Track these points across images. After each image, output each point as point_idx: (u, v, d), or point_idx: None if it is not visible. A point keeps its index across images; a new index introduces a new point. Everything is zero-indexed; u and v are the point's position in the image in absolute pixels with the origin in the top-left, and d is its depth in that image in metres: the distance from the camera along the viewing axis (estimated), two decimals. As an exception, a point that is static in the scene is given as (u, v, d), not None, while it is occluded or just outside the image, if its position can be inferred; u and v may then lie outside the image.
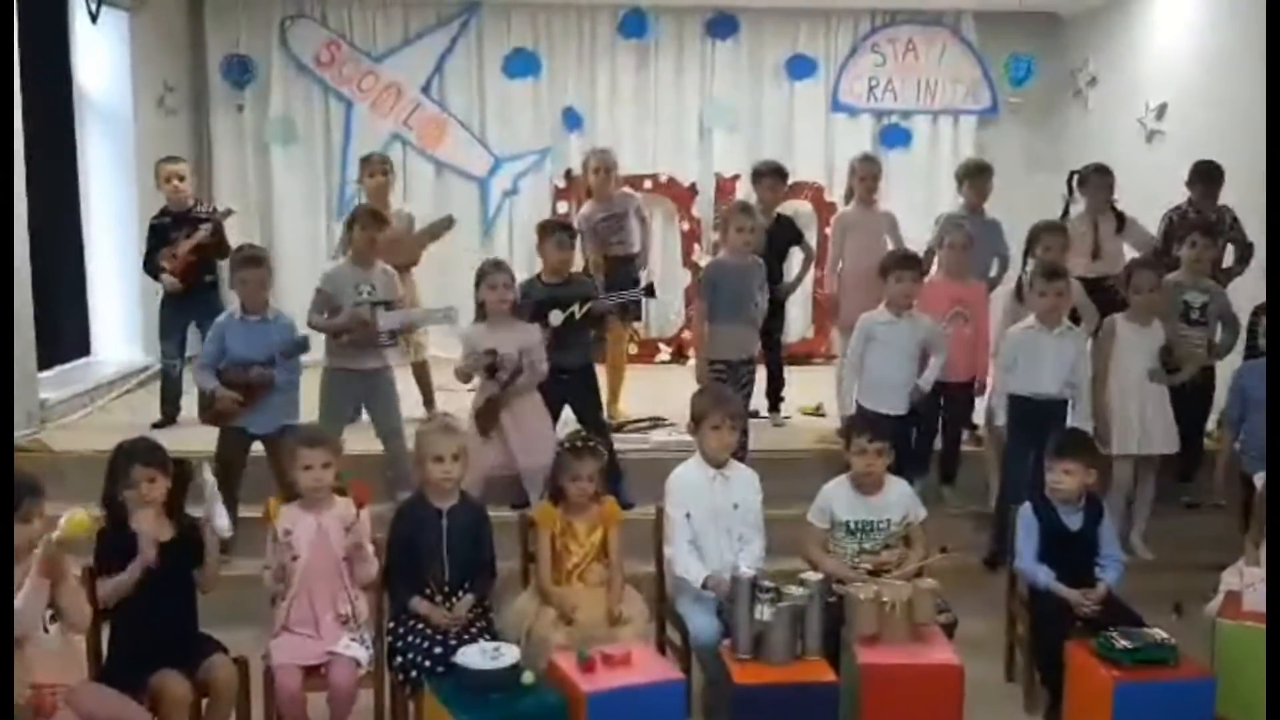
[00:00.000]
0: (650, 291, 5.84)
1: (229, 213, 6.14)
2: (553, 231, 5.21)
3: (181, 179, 5.92)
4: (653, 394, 6.36)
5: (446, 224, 6.27)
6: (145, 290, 6.80)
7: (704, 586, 3.80)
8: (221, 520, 3.51)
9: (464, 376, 4.78)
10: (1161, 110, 7.14)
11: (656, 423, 5.92)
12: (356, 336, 4.93)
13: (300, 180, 8.19)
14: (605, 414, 5.56)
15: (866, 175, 6.02)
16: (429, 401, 5.95)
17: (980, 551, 4.92)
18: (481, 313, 4.78)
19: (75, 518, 2.97)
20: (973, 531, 5.03)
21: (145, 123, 7.14)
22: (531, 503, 4.74)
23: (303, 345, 4.75)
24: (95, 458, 5.04)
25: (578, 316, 5.07)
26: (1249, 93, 6.21)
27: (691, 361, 7.85)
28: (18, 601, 2.93)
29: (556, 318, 5.03)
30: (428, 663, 3.43)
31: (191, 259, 5.76)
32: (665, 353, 8.26)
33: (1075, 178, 5.88)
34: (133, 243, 6.76)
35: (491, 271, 4.76)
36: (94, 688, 3.16)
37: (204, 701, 3.37)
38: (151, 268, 5.88)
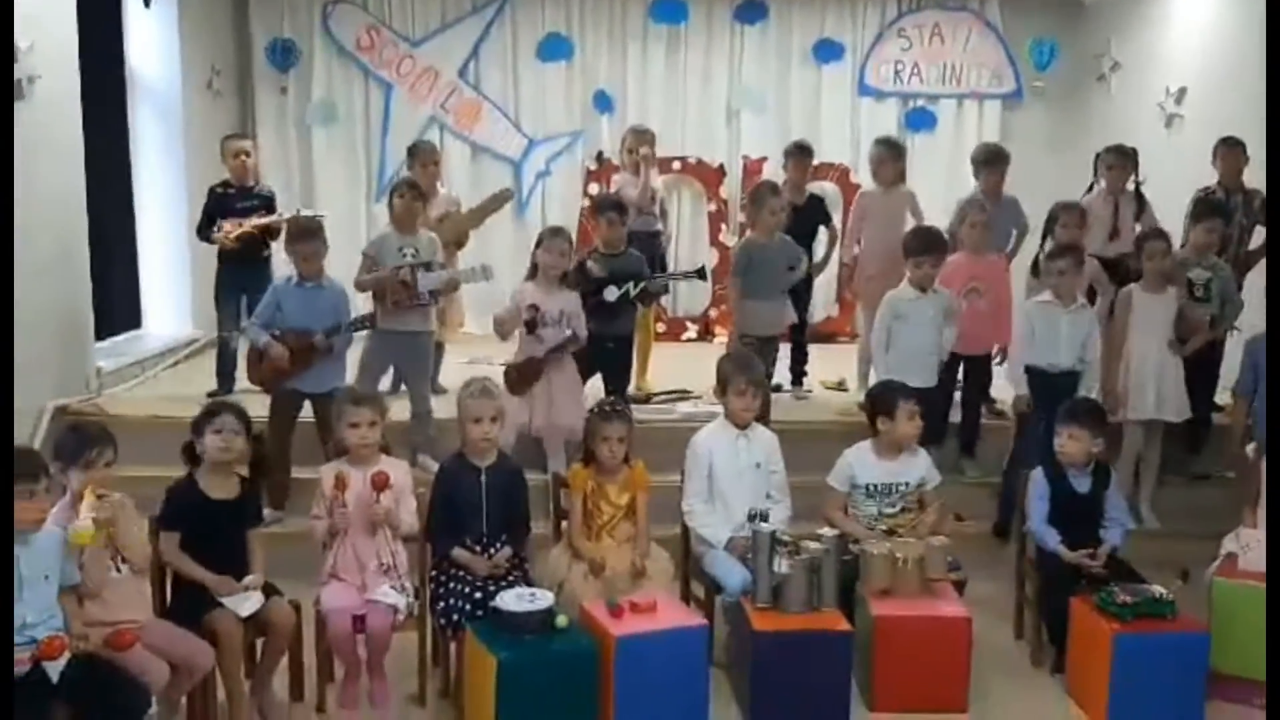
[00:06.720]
0: (702, 274, 6.13)
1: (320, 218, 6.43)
2: (604, 209, 5.49)
3: (248, 155, 6.27)
4: (679, 370, 6.47)
5: (505, 196, 6.51)
6: (195, 264, 7.04)
7: (726, 548, 4.00)
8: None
9: (503, 327, 5.03)
10: (1181, 95, 7.23)
11: (683, 395, 6.06)
12: (399, 297, 5.16)
13: (341, 160, 8.44)
14: (633, 386, 5.79)
15: (886, 159, 6.11)
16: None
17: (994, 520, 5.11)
18: (533, 272, 5.08)
19: (82, 533, 3.12)
20: (988, 501, 5.20)
21: (193, 104, 7.38)
22: (550, 466, 4.93)
23: (369, 320, 5.07)
24: (148, 423, 5.34)
25: (632, 295, 5.32)
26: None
27: (718, 339, 8.14)
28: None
29: (612, 294, 5.28)
30: (468, 607, 3.64)
31: (252, 233, 5.98)
32: (692, 330, 8.45)
33: (1098, 157, 6.01)
34: (182, 219, 7.01)
35: (550, 237, 5.10)
36: (161, 624, 3.40)
37: (259, 641, 3.61)
38: (205, 232, 6.09)
